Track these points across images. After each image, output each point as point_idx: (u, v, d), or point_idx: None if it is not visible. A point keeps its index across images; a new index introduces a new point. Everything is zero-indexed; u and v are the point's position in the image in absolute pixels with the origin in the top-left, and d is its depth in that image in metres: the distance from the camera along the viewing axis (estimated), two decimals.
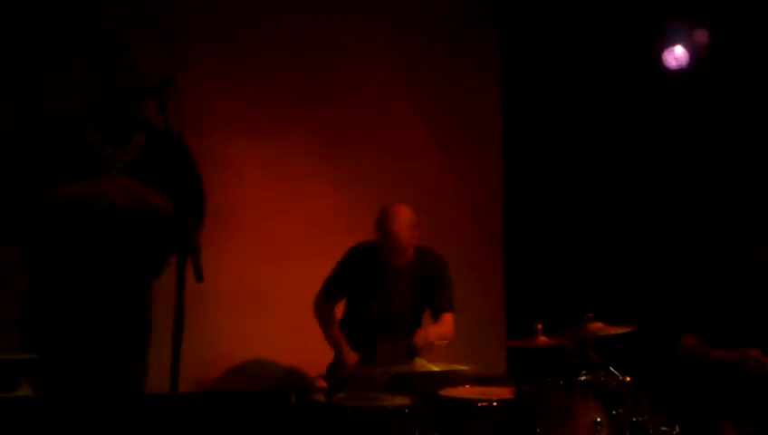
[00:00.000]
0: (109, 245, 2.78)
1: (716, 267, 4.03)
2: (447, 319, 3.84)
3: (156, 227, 2.79)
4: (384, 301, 3.79)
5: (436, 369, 3.26)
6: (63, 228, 2.75)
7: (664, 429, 3.20)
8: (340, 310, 4.01)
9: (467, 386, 3.48)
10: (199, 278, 2.34)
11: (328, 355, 3.89)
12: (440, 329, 3.79)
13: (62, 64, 4.00)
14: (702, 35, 4.74)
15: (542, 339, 3.41)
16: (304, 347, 4.16)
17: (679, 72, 4.80)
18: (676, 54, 4.80)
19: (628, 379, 3.23)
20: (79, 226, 2.74)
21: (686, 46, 4.78)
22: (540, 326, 3.41)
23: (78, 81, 3.73)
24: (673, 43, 4.81)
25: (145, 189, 2.78)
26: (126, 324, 2.85)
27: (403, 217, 3.72)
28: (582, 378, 3.24)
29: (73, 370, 2.75)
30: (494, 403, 3.26)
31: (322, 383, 3.29)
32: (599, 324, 3.38)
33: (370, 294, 3.80)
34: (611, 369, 3.27)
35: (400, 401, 3.23)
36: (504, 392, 3.37)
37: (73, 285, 2.78)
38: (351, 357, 3.80)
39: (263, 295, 4.41)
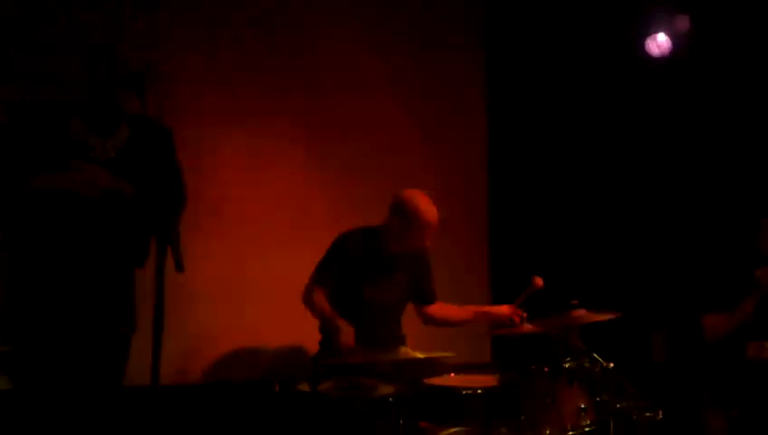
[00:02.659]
0: (78, 230, 2.77)
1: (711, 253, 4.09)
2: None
3: (117, 213, 2.78)
4: (378, 288, 3.75)
5: (420, 356, 3.25)
6: (34, 217, 2.73)
7: (647, 414, 3.21)
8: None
9: (452, 374, 3.48)
10: (179, 268, 2.31)
11: (311, 345, 3.87)
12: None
13: (44, 53, 3.94)
14: (684, 22, 4.74)
15: (527, 326, 3.41)
16: (288, 337, 4.15)
17: (662, 60, 4.81)
18: (659, 42, 4.80)
19: (612, 365, 3.24)
20: (47, 215, 2.73)
21: (669, 33, 4.78)
22: (525, 314, 3.42)
23: (62, 70, 3.69)
24: (655, 31, 4.81)
25: (117, 182, 2.77)
26: (106, 312, 2.83)
27: (433, 207, 3.70)
28: (566, 365, 3.24)
29: (53, 359, 2.72)
30: (479, 391, 3.26)
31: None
32: (582, 312, 3.38)
33: (363, 281, 3.73)
34: (595, 356, 3.28)
35: (385, 389, 3.22)
36: (489, 380, 3.37)
37: (52, 273, 2.75)
38: (348, 335, 3.56)
39: (246, 286, 4.37)
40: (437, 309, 3.95)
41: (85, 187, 2.73)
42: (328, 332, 3.60)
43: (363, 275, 3.73)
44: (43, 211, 2.74)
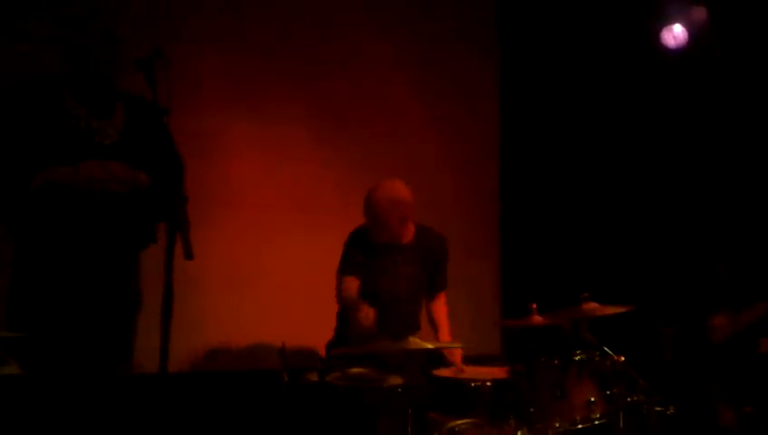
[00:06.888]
0: (97, 225, 2.76)
1: (721, 252, 4.05)
2: (443, 298, 3.89)
3: (139, 204, 2.78)
4: (389, 280, 3.76)
5: (429, 347, 3.23)
6: (55, 210, 2.71)
7: (658, 409, 3.19)
8: None
9: (461, 365, 3.47)
10: (189, 256, 2.28)
11: (321, 334, 3.86)
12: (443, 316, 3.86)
13: (48, 33, 3.92)
14: (700, 13, 4.69)
15: (537, 319, 3.39)
16: (297, 326, 4.13)
17: (678, 51, 4.76)
18: (675, 33, 4.75)
19: (623, 359, 3.21)
20: (72, 209, 2.71)
21: (685, 25, 4.73)
22: (534, 306, 3.40)
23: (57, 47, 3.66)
24: (672, 22, 4.76)
25: (135, 174, 2.75)
26: (113, 296, 2.82)
27: (385, 195, 3.68)
28: (577, 358, 3.22)
29: (61, 345, 2.71)
30: (488, 383, 3.25)
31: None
32: (594, 305, 3.36)
33: (375, 274, 3.75)
34: (605, 349, 3.25)
35: (394, 380, 3.22)
36: (499, 372, 3.36)
37: (60, 260, 2.74)
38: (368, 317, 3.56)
39: (254, 273, 4.37)
40: (434, 308, 3.90)
41: (114, 182, 2.70)
42: (351, 312, 3.61)
43: (375, 268, 3.74)
44: (59, 203, 2.70)
